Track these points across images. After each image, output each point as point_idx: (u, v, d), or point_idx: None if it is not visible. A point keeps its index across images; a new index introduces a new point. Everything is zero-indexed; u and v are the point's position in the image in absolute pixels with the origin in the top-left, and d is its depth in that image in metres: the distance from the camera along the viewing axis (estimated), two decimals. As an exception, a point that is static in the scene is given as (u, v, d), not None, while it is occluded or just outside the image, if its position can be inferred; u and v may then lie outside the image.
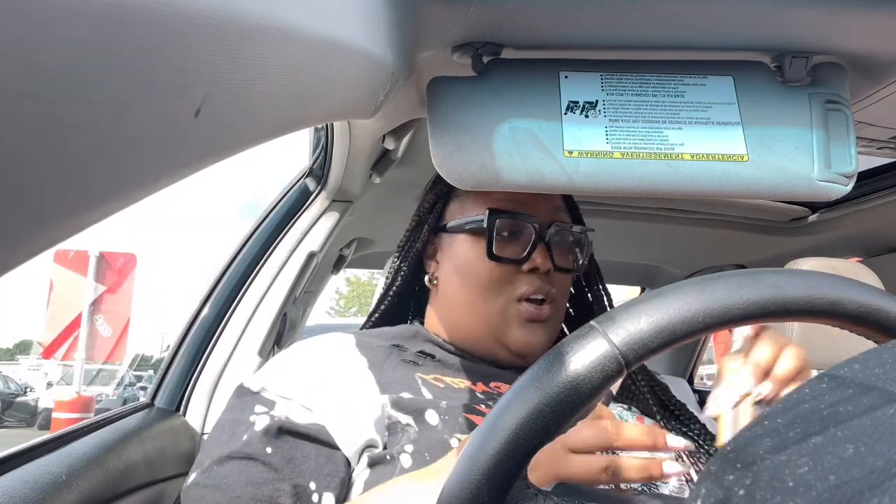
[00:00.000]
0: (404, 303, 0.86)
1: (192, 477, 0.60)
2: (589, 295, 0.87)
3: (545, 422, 0.35)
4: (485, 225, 0.73)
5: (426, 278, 0.82)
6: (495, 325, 0.74)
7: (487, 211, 0.73)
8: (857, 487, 0.18)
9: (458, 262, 0.76)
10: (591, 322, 0.37)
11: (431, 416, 0.63)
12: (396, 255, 0.84)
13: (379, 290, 0.97)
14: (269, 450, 0.59)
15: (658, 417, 0.75)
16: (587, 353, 0.36)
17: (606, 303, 0.86)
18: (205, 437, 0.97)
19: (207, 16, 0.19)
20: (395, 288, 0.83)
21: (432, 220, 0.80)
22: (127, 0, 0.15)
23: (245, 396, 0.66)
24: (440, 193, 0.81)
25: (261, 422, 0.61)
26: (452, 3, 0.51)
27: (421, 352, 0.74)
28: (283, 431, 0.61)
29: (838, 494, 0.18)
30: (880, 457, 0.18)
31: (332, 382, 0.66)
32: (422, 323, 0.83)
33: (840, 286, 0.39)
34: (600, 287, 0.86)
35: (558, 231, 0.75)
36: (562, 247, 0.76)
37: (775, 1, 0.52)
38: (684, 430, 0.76)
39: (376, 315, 0.85)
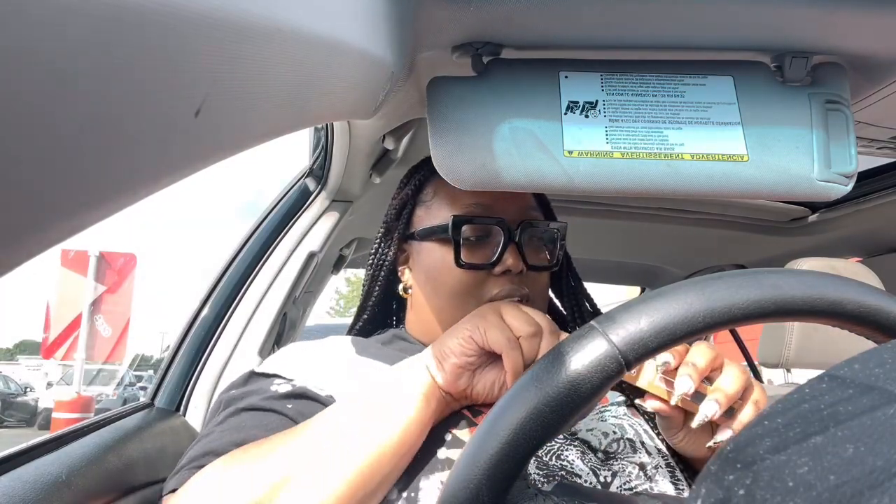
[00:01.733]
0: (385, 308, 0.86)
1: (206, 429, 0.61)
2: (570, 290, 0.86)
3: (545, 422, 0.35)
4: (450, 233, 0.71)
5: (400, 287, 0.81)
6: None
7: (452, 218, 0.71)
8: (858, 487, 0.18)
9: (429, 270, 0.75)
10: (592, 322, 0.37)
11: None
12: (369, 265, 0.82)
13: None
14: (288, 405, 0.61)
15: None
16: (587, 353, 0.36)
17: (586, 302, 0.85)
18: None
19: (207, 16, 0.19)
20: (372, 299, 0.82)
21: (401, 227, 0.79)
22: (127, 0, 0.15)
23: (261, 379, 0.67)
24: (406, 199, 0.79)
25: (283, 388, 0.63)
26: (452, 3, 0.51)
27: (404, 354, 0.74)
28: (304, 396, 0.63)
29: (838, 494, 0.18)
30: (880, 456, 0.18)
31: (338, 369, 0.67)
32: (404, 327, 0.83)
33: (840, 286, 0.39)
34: (575, 283, 0.85)
35: (529, 229, 0.73)
36: (534, 245, 0.74)
37: (775, 1, 0.52)
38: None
39: (359, 325, 0.84)
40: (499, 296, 0.70)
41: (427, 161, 0.82)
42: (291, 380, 0.65)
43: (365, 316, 0.84)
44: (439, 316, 0.74)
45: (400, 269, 0.81)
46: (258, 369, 0.68)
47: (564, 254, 0.83)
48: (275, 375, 0.66)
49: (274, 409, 0.60)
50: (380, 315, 0.86)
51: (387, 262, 0.80)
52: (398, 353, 0.72)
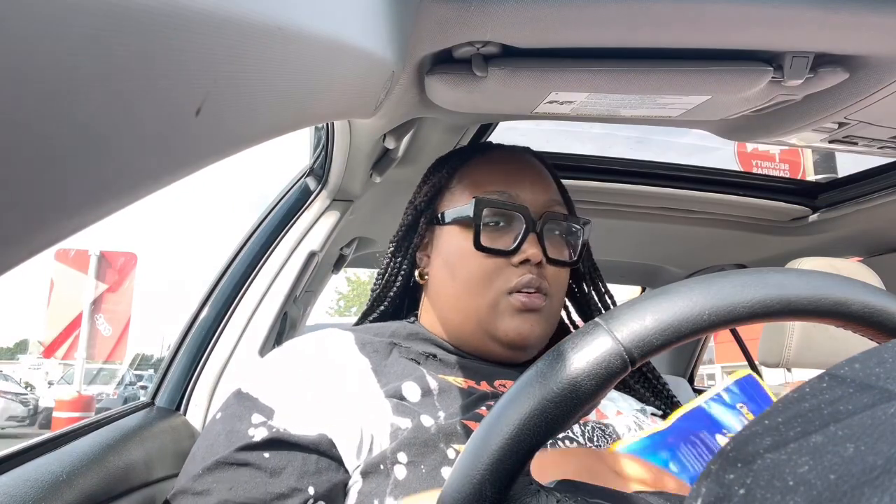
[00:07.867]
0: (398, 298, 0.83)
1: (180, 483, 0.57)
2: (590, 292, 0.84)
3: (549, 418, 0.35)
4: (471, 214, 0.69)
5: (416, 273, 0.79)
6: (485, 319, 0.70)
7: (474, 200, 0.70)
8: (858, 486, 0.18)
9: (447, 255, 0.73)
10: (596, 319, 0.37)
11: (427, 421, 0.60)
12: (391, 252, 0.80)
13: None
14: (266, 455, 0.57)
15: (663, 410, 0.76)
16: (591, 350, 0.35)
17: (609, 301, 0.83)
18: None
19: (208, 15, 0.19)
20: (395, 288, 0.80)
21: (429, 213, 0.77)
22: (127, 0, 0.15)
23: (244, 402, 0.62)
24: (435, 185, 0.78)
25: (259, 434, 0.58)
26: (452, 3, 0.51)
27: (423, 352, 0.70)
28: (283, 444, 0.58)
29: (838, 493, 0.18)
30: (880, 455, 0.18)
31: (334, 388, 0.63)
32: (417, 318, 0.80)
33: (845, 286, 0.39)
34: (601, 284, 0.84)
35: (551, 222, 0.72)
36: (555, 239, 0.73)
37: (776, 1, 0.52)
38: None
39: (374, 315, 0.82)
40: (517, 287, 0.68)
41: (455, 152, 0.81)
42: (273, 411, 0.59)
43: (381, 308, 0.81)
44: (455, 304, 0.72)
45: (419, 257, 0.80)
46: (244, 388, 0.63)
47: (589, 255, 0.82)
48: (257, 399, 0.61)
49: (248, 462, 0.56)
50: (393, 306, 0.83)
51: (412, 248, 0.79)
52: (403, 368, 0.67)
